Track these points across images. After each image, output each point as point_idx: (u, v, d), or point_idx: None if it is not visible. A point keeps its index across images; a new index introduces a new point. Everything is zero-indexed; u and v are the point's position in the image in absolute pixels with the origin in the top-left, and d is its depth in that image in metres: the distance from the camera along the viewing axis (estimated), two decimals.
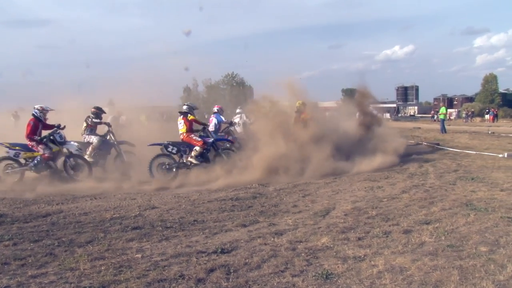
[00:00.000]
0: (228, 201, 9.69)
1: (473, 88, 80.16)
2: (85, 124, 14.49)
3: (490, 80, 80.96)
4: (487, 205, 8.58)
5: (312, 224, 7.64)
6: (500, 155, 16.16)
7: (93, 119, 14.26)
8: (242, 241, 6.76)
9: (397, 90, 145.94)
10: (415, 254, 5.89)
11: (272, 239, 6.81)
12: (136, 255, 6.11)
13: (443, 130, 31.09)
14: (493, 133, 31.00)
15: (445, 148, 19.94)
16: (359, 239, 6.71)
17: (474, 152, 17.62)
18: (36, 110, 12.87)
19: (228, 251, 6.26)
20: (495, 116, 62.22)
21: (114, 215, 8.52)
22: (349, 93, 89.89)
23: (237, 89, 79.75)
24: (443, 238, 6.60)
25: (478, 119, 67.02)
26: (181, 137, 13.43)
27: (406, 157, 16.37)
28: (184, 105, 13.93)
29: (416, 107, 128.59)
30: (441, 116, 33.95)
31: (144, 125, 44.14)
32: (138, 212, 8.82)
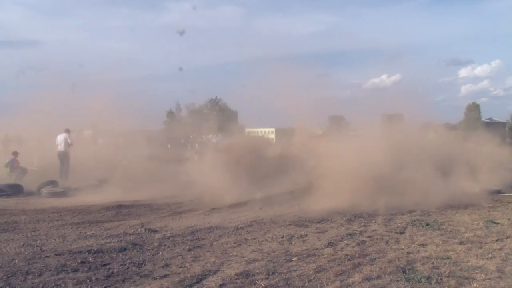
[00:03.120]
0: (83, 254, 6.92)
1: (457, 117, 77.85)
2: None
3: (473, 109, 79.20)
4: (434, 270, 5.86)
5: None
6: (476, 189, 13.42)
7: None
8: None
9: (382, 118, 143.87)
10: None
11: None
12: None
13: None
14: None
15: None
16: None
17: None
18: None
19: None
20: None
21: None
22: (335, 120, 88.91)
23: (221, 114, 79.40)
24: None
25: None
26: None
27: None
28: None
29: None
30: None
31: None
32: None
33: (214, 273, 6.06)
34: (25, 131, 31.67)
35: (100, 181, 17.49)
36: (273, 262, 6.50)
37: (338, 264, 6.29)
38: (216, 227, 9.00)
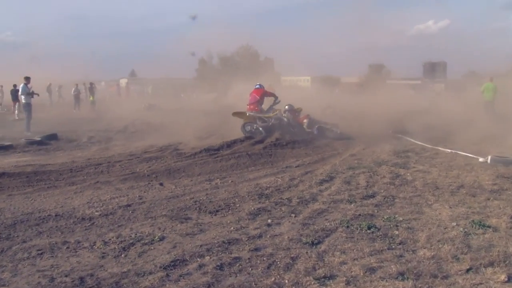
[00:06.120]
0: None
1: (508, 65, 70.45)
2: None
3: None
4: None
5: None
6: (481, 159, 9.78)
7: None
8: None
9: (424, 66, 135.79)
10: None
11: None
12: None
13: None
14: None
15: (410, 139, 13.51)
16: None
17: (449, 151, 11.18)
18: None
19: None
20: None
21: None
22: (375, 68, 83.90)
23: (253, 61, 76.40)
24: None
25: None
26: None
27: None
28: None
29: (443, 84, 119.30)
30: (487, 96, 19.78)
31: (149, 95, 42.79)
32: None
33: None
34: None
35: (44, 137, 14.69)
36: None
37: None
38: (61, 215, 6.08)
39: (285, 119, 14.14)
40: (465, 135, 13.47)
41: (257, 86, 14.55)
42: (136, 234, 5.31)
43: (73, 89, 29.98)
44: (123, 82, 67.32)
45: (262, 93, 14.26)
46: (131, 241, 5.06)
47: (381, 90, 40.38)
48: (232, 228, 5.45)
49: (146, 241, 5.06)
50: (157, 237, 5.16)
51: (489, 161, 9.82)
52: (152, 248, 4.87)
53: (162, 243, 5.00)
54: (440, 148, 11.78)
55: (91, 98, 30.38)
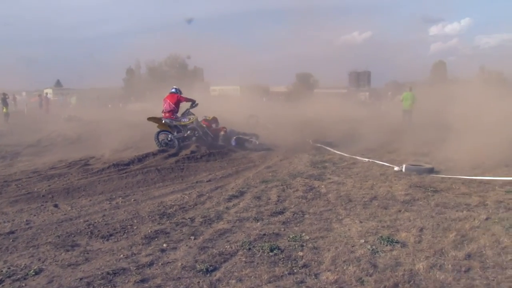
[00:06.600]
0: None
1: (425, 75, 75.64)
2: None
3: (439, 67, 76.45)
4: None
5: None
6: (396, 168, 9.75)
7: None
8: None
9: (350, 75, 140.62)
10: None
11: None
12: None
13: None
14: None
15: (330, 149, 13.43)
16: None
17: (366, 160, 11.12)
18: None
19: None
20: None
21: None
22: (303, 77, 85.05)
23: (182, 71, 75.11)
24: None
25: None
26: None
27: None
28: None
29: (367, 93, 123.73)
30: (405, 105, 21.50)
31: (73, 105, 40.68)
32: None
33: None
34: None
35: None
36: None
37: None
38: None
39: (201, 130, 13.59)
40: (384, 143, 13.66)
41: (173, 91, 13.46)
42: (9, 268, 4.61)
43: None
44: (47, 92, 64.62)
45: (177, 99, 13.17)
46: (0, 277, 4.34)
47: (307, 99, 41.06)
48: (122, 255, 4.88)
49: (19, 276, 4.39)
50: (32, 270, 4.50)
51: (403, 169, 9.83)
52: (24, 285, 4.21)
53: (37, 278, 4.35)
54: (357, 157, 11.73)
55: (4, 110, 28.61)
